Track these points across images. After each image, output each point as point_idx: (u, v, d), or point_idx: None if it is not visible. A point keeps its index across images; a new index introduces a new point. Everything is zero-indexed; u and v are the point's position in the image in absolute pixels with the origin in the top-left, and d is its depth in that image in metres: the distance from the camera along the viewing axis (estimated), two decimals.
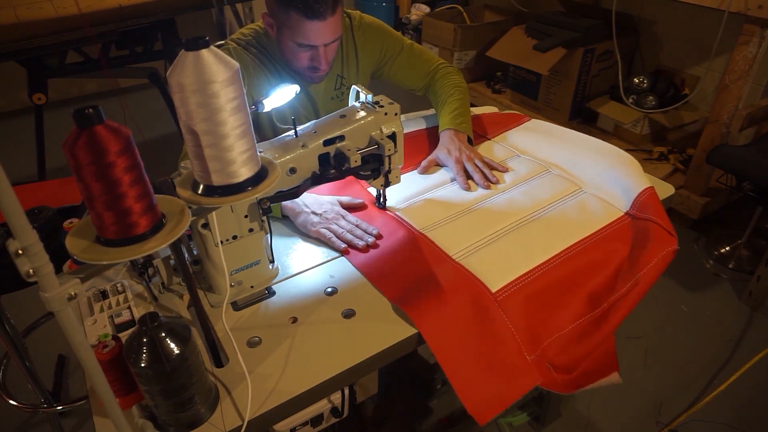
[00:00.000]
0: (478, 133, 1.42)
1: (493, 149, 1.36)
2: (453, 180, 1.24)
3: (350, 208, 1.15)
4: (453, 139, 1.29)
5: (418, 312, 0.87)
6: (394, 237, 1.06)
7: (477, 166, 1.23)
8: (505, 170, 1.26)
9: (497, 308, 0.91)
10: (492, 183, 1.21)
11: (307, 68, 1.25)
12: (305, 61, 1.23)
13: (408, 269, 0.98)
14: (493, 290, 0.93)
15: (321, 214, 1.08)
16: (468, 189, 1.20)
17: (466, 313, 0.90)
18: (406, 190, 1.20)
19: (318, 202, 1.11)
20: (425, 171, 1.28)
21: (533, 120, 1.48)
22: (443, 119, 1.35)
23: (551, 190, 1.18)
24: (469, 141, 1.32)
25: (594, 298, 0.98)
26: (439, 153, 1.29)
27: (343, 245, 1.04)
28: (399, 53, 1.42)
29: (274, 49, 1.30)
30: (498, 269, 0.97)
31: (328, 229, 1.06)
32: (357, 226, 1.08)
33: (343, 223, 1.08)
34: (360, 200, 1.16)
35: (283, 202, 1.09)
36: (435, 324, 0.87)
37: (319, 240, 1.07)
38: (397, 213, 1.13)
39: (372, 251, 1.03)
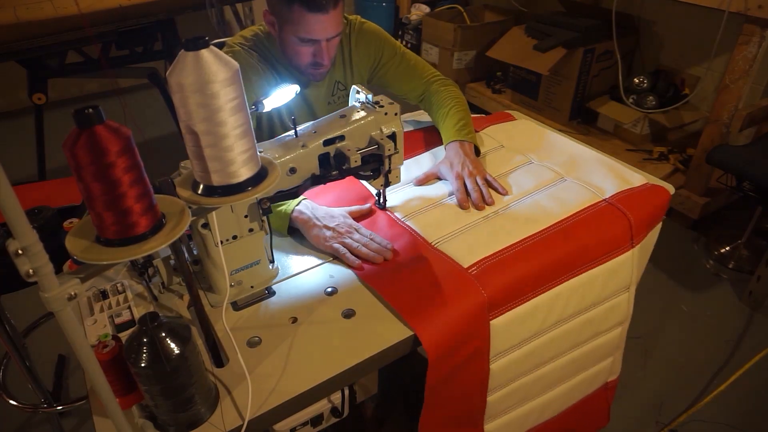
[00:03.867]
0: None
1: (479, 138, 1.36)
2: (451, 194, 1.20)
3: (360, 216, 1.12)
4: (458, 152, 1.23)
5: (419, 320, 0.88)
6: (397, 242, 1.05)
7: (477, 185, 1.16)
8: (505, 192, 1.18)
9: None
10: (487, 204, 1.15)
11: (310, 65, 1.25)
12: (308, 58, 1.23)
13: (409, 273, 0.97)
14: (465, 265, 0.95)
15: (333, 228, 1.04)
16: (464, 207, 1.14)
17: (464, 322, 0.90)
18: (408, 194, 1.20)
19: (329, 214, 1.07)
20: (422, 183, 1.24)
21: (522, 120, 1.49)
22: (448, 132, 1.30)
23: (536, 180, 1.20)
24: (477, 151, 1.27)
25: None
26: (442, 166, 1.23)
27: (358, 261, 1.00)
28: (393, 58, 1.40)
29: (275, 51, 1.30)
30: (466, 246, 1.01)
31: (342, 244, 1.02)
32: (371, 239, 1.04)
33: (357, 236, 1.04)
34: (367, 205, 1.14)
35: (293, 215, 1.07)
36: (435, 334, 0.87)
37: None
38: (403, 220, 1.12)
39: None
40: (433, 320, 0.88)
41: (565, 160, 1.26)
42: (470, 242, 1.03)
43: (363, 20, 1.39)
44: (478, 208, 1.13)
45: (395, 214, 1.13)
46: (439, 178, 1.25)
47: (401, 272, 0.97)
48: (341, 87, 1.40)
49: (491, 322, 0.94)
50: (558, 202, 1.12)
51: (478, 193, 1.15)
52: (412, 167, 1.28)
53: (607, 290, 1.09)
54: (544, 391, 1.15)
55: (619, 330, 1.19)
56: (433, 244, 1.03)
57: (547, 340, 1.04)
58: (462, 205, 1.14)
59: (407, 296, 0.92)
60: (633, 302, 1.16)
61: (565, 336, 1.07)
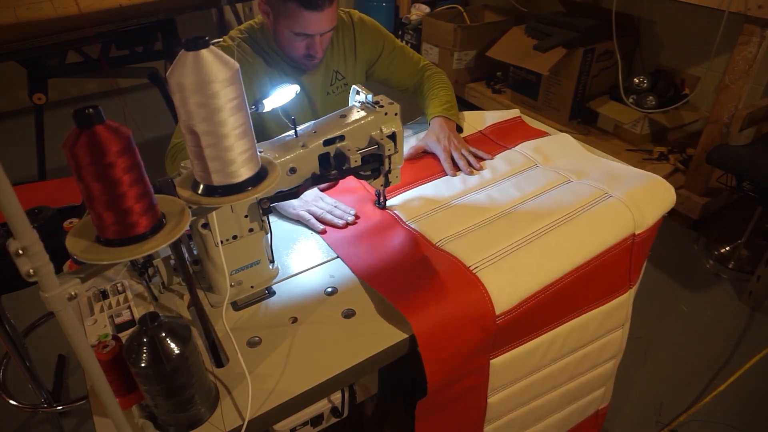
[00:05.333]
0: (498, 141, 1.35)
1: (512, 157, 1.29)
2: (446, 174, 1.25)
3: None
4: (443, 126, 1.31)
5: (412, 310, 0.87)
6: (395, 239, 1.05)
7: (462, 155, 1.26)
8: (491, 158, 1.28)
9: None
10: (475, 170, 1.24)
11: (303, 56, 1.29)
12: (301, 50, 1.27)
13: (405, 270, 0.97)
14: (497, 312, 0.90)
15: (300, 197, 1.12)
16: (453, 175, 1.23)
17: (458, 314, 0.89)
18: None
19: None
20: (412, 157, 1.31)
21: (562, 134, 1.38)
22: (433, 108, 1.38)
23: (575, 197, 1.10)
24: (459, 130, 1.36)
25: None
26: (428, 140, 1.31)
27: (321, 226, 1.09)
28: (392, 51, 1.46)
29: (269, 42, 1.33)
30: (507, 286, 0.92)
31: (308, 211, 1.11)
32: (335, 207, 1.13)
33: (321, 204, 1.13)
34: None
35: None
36: (428, 324, 0.86)
37: (319, 240, 1.07)
38: (395, 212, 1.12)
39: (371, 253, 1.02)
40: (442, 350, 0.86)
41: (605, 180, 1.15)
42: (509, 278, 0.93)
43: (361, 14, 1.44)
44: (467, 172, 1.23)
45: (394, 212, 1.12)
46: (427, 152, 1.32)
47: (400, 271, 0.96)
48: (340, 77, 1.43)
49: (491, 361, 0.95)
50: (595, 228, 1.03)
51: (464, 160, 1.25)
52: (428, 190, 1.22)
53: (603, 329, 1.11)
54: (538, 420, 1.16)
55: (612, 363, 1.21)
56: (471, 268, 0.94)
57: (544, 375, 1.06)
58: (451, 174, 1.23)
59: (428, 319, 0.87)
60: (627, 337, 1.19)
61: (562, 371, 1.09)
